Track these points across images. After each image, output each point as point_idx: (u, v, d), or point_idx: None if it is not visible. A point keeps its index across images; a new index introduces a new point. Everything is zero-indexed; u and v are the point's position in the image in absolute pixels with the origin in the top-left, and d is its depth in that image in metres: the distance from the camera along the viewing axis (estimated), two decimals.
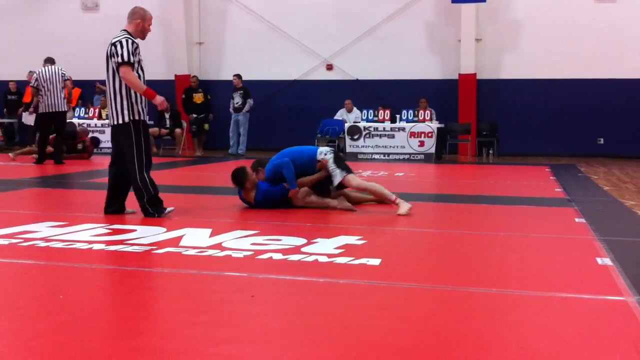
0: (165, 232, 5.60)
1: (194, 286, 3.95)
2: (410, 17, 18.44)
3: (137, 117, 6.42)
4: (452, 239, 5.76)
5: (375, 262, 4.53)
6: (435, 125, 16.09)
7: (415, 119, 16.21)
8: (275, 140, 17.76)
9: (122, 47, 6.29)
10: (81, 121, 16.74)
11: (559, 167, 13.78)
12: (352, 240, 5.32)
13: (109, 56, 6.37)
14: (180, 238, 5.30)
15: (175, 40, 19.71)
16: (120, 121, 6.40)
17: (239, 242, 5.21)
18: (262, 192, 7.05)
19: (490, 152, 17.00)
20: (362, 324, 3.20)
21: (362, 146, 16.30)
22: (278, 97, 19.25)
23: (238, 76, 17.44)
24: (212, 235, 5.44)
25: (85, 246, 4.99)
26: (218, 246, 5.00)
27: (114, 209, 6.54)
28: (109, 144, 15.19)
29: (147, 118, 6.61)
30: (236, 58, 19.39)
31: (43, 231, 5.54)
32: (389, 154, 16.15)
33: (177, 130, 17.02)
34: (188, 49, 19.72)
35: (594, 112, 17.53)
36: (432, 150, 15.88)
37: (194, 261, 4.55)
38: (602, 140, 17.65)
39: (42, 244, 5.05)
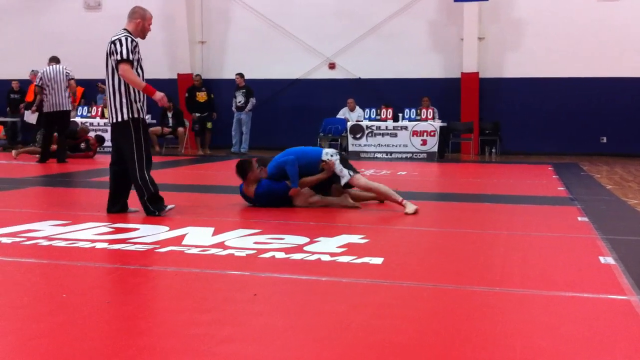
0: (167, 230, 5.60)
1: (197, 285, 3.95)
2: (413, 15, 18.43)
3: (136, 115, 6.43)
4: (454, 237, 5.75)
5: (378, 261, 4.53)
6: (437, 124, 16.09)
7: (418, 117, 16.21)
8: (277, 139, 17.78)
9: (121, 45, 6.30)
10: (84, 120, 16.77)
11: (561, 165, 13.76)
12: (355, 239, 5.32)
13: (109, 54, 6.39)
14: (182, 237, 5.31)
15: (177, 39, 19.71)
16: (120, 119, 6.41)
17: (242, 240, 5.21)
18: (263, 186, 7.05)
19: (493, 150, 16.99)
20: (364, 323, 3.20)
21: (365, 145, 16.30)
22: (280, 95, 19.25)
23: (241, 75, 17.44)
24: (214, 234, 5.45)
25: (88, 245, 5.00)
26: (220, 245, 5.00)
27: (116, 209, 6.55)
28: (107, 142, 15.30)
29: (146, 116, 6.62)
30: (239, 57, 19.39)
31: (46, 230, 5.55)
32: (391, 153, 16.15)
33: (180, 129, 17.03)
34: (191, 47, 19.72)
35: (597, 110, 17.51)
36: (435, 149, 15.88)
37: (196, 260, 4.56)
38: (605, 139, 17.63)
39: (45, 242, 5.06)
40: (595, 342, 2.99)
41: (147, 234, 5.46)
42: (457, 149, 17.64)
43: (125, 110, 6.39)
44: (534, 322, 3.24)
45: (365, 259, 4.55)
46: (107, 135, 15.74)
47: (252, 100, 17.38)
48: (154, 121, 17.23)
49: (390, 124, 16.25)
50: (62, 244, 5.02)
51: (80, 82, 15.03)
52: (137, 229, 5.70)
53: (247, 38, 19.48)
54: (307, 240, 5.19)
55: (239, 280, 4.08)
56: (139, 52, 6.44)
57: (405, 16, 18.51)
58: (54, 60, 13.30)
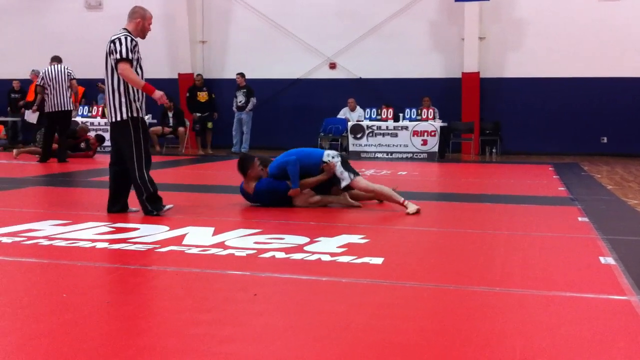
0: (168, 230, 5.60)
1: (197, 285, 3.95)
2: (414, 15, 18.44)
3: (135, 115, 6.43)
4: (455, 237, 5.75)
5: (378, 261, 4.53)
6: (438, 124, 16.09)
7: (419, 117, 16.21)
8: (278, 139, 17.80)
9: (121, 44, 6.31)
10: (85, 120, 16.78)
11: (562, 165, 13.76)
12: (355, 239, 5.32)
13: (108, 54, 6.39)
14: (183, 237, 5.31)
15: (178, 39, 19.73)
16: (119, 118, 6.42)
17: (242, 240, 5.21)
18: (263, 184, 7.06)
19: (494, 150, 16.99)
20: (364, 323, 3.20)
21: (365, 145, 16.31)
22: (281, 95, 19.26)
23: (241, 75, 17.45)
24: (215, 233, 5.45)
25: (88, 244, 5.00)
26: (221, 245, 5.00)
27: (116, 209, 6.55)
28: (106, 142, 15.28)
29: (145, 116, 6.62)
30: (239, 57, 19.40)
31: (46, 229, 5.55)
32: (392, 153, 16.16)
33: (180, 128, 17.03)
34: (191, 47, 19.74)
35: (598, 110, 17.52)
36: (435, 149, 15.89)
37: (196, 260, 4.56)
38: (605, 139, 17.63)
39: (46, 242, 5.06)
40: (595, 342, 2.99)
41: (147, 233, 5.46)
42: (458, 149, 17.65)
43: (124, 109, 6.40)
44: (534, 322, 3.24)
45: (366, 259, 4.56)
46: (108, 135, 15.76)
47: (253, 100, 17.39)
48: (155, 121, 17.24)
49: (390, 124, 16.26)
50: (63, 243, 5.02)
51: (80, 82, 15.02)
52: (138, 228, 5.70)
53: (248, 38, 19.49)
54: (307, 240, 5.20)
55: (239, 280, 4.08)
56: (138, 52, 6.44)
57: (406, 16, 18.52)
58: (56, 60, 13.31)
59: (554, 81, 17.75)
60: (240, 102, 17.43)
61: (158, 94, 6.47)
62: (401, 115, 16.38)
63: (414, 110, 16.35)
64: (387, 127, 16.25)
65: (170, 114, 17.06)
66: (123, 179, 6.54)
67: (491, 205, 7.78)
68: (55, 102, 12.93)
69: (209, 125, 17.46)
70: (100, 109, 17.29)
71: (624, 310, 3.48)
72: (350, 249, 4.91)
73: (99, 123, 16.90)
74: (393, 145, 16.18)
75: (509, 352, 2.83)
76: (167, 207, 6.51)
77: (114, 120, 6.46)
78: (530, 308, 3.51)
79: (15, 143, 18.30)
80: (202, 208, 7.18)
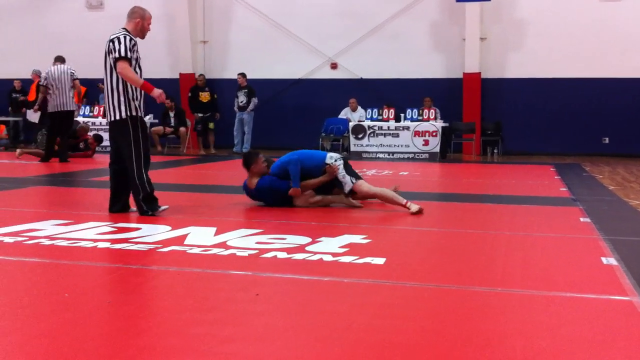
0: (170, 230, 5.60)
1: (199, 285, 3.95)
2: (415, 16, 18.44)
3: (134, 113, 6.44)
4: (456, 238, 5.75)
5: (380, 261, 4.53)
6: (439, 124, 16.09)
7: (420, 118, 16.21)
8: (279, 139, 17.80)
9: (120, 43, 6.32)
10: (86, 119, 16.78)
11: (563, 166, 13.76)
12: (357, 239, 5.32)
13: (107, 53, 6.40)
14: (185, 237, 5.31)
15: (179, 39, 19.73)
16: (118, 117, 6.43)
17: (244, 240, 5.21)
18: (266, 181, 7.09)
19: (495, 151, 16.98)
20: (366, 323, 3.20)
21: (367, 145, 16.31)
22: (282, 95, 19.26)
23: (242, 75, 17.46)
24: (216, 233, 5.45)
25: (90, 244, 5.00)
26: (222, 245, 5.00)
27: (117, 208, 6.56)
28: (105, 142, 15.27)
29: (144, 114, 6.63)
30: (241, 57, 19.41)
31: (48, 229, 5.55)
32: (393, 153, 16.16)
33: (182, 128, 17.04)
34: (192, 47, 19.74)
35: (599, 111, 17.51)
36: (437, 149, 15.88)
37: (198, 260, 4.56)
38: (607, 140, 17.62)
39: (47, 242, 5.06)
40: (596, 343, 2.98)
41: (149, 233, 5.46)
42: (459, 149, 17.64)
43: (123, 108, 6.41)
44: (535, 322, 3.24)
45: (367, 259, 4.55)
46: (106, 135, 15.75)
47: (254, 100, 17.39)
48: (156, 121, 17.26)
49: (392, 124, 16.25)
50: (64, 243, 5.02)
51: (82, 82, 15.02)
52: (139, 228, 5.70)
53: (249, 38, 19.49)
54: (309, 240, 5.20)
55: (240, 280, 4.08)
56: (137, 51, 6.46)
57: (407, 16, 18.52)
58: (59, 60, 13.32)
59: (555, 81, 17.74)
60: (241, 102, 17.43)
61: (157, 92, 6.47)
62: (402, 115, 16.37)
63: (415, 110, 16.35)
64: (388, 127, 16.24)
65: (171, 114, 17.08)
66: (123, 178, 6.54)
67: (492, 206, 7.78)
68: (58, 102, 12.95)
69: (211, 125, 17.46)
70: (102, 109, 17.30)
71: (625, 310, 3.48)
72: (352, 249, 4.91)
73: (100, 123, 16.90)
74: (394, 145, 16.18)
75: (510, 352, 2.83)
76: (163, 207, 6.50)
77: (112, 119, 6.47)
78: (531, 308, 3.51)
79: (17, 143, 18.31)
80: (203, 208, 7.18)
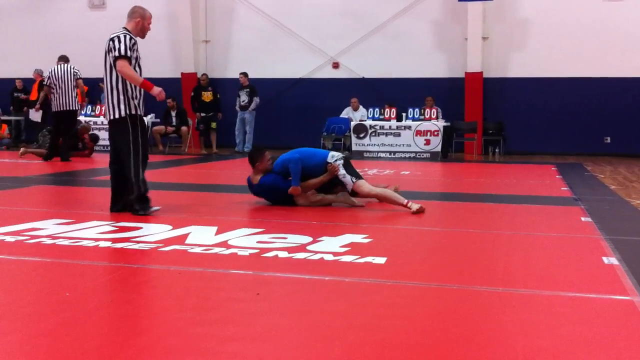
0: (171, 229, 5.60)
1: (200, 284, 3.95)
2: (417, 15, 18.43)
3: (133, 112, 6.45)
4: (457, 237, 5.75)
5: (381, 260, 4.53)
6: (441, 123, 16.08)
7: (422, 117, 16.20)
8: (281, 139, 17.80)
9: (119, 42, 6.33)
10: (87, 119, 16.78)
11: (565, 165, 13.75)
12: (358, 238, 5.32)
13: (107, 51, 6.41)
14: (186, 236, 5.31)
15: (181, 39, 19.74)
16: (117, 115, 6.43)
17: (245, 240, 5.21)
18: (269, 178, 7.10)
19: (497, 150, 16.96)
20: (367, 323, 3.20)
21: (368, 144, 16.31)
22: (284, 95, 19.26)
23: (244, 74, 17.46)
24: (217, 233, 5.45)
25: (91, 244, 5.00)
26: (224, 244, 5.00)
27: (118, 207, 6.56)
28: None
29: (143, 113, 6.64)
30: (243, 56, 19.41)
31: (49, 228, 5.56)
32: (394, 153, 16.16)
33: (183, 128, 17.05)
34: (194, 47, 19.75)
35: (601, 110, 17.49)
36: (438, 148, 15.88)
37: (199, 259, 4.56)
38: (608, 139, 17.61)
39: (49, 241, 5.06)
40: (597, 343, 2.98)
41: (150, 233, 5.46)
42: (461, 148, 17.63)
43: (122, 106, 6.41)
44: (536, 322, 3.24)
45: (368, 259, 4.55)
46: (102, 134, 15.72)
47: (256, 100, 17.40)
48: (158, 120, 17.27)
49: (393, 123, 16.25)
50: (66, 242, 5.02)
51: (84, 81, 15.02)
52: (141, 227, 5.70)
53: (251, 37, 19.50)
54: (310, 239, 5.19)
55: (242, 279, 4.08)
56: (137, 50, 6.47)
57: (409, 16, 18.51)
58: (63, 59, 13.34)
59: (557, 81, 17.73)
60: (243, 101, 17.44)
61: (157, 90, 6.48)
62: (404, 114, 16.37)
63: (416, 109, 16.34)
64: (390, 126, 16.24)
65: (173, 114, 17.09)
66: (123, 177, 6.54)
67: (494, 205, 7.77)
68: (61, 101, 12.96)
69: (213, 125, 17.45)
70: (103, 108, 17.28)
71: (626, 310, 3.48)
72: (353, 248, 4.90)
73: (102, 122, 16.91)
74: (396, 144, 16.18)
75: (511, 352, 2.83)
76: (154, 208, 6.48)
77: (112, 117, 6.48)
78: (532, 308, 3.50)
79: (19, 142, 18.32)
80: (205, 207, 7.18)
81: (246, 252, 4.73)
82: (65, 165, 12.49)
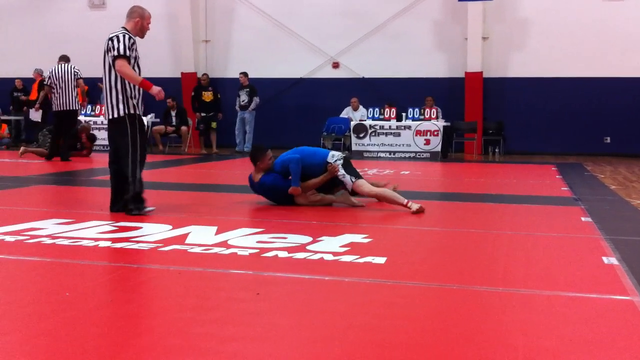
0: (171, 229, 5.60)
1: (199, 284, 3.95)
2: (417, 15, 18.43)
3: (132, 112, 6.45)
4: (457, 237, 5.75)
5: (381, 260, 4.53)
6: (441, 123, 16.08)
7: (421, 117, 16.20)
8: (281, 138, 17.79)
9: (118, 41, 6.34)
10: (87, 118, 16.78)
11: (565, 165, 13.75)
12: (358, 238, 5.31)
13: (106, 51, 6.42)
14: (185, 236, 5.31)
15: (181, 38, 19.74)
16: (116, 115, 6.44)
17: (245, 240, 5.21)
18: (270, 178, 7.11)
19: (497, 150, 16.97)
20: (367, 323, 3.20)
21: (368, 144, 16.31)
22: (284, 95, 19.26)
23: (244, 74, 17.46)
24: (217, 233, 5.45)
25: (91, 243, 5.00)
26: (224, 244, 5.00)
27: (118, 207, 6.55)
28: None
29: (142, 113, 6.65)
30: (243, 56, 19.41)
31: (49, 228, 5.55)
32: (394, 152, 16.15)
33: (183, 127, 17.05)
34: (194, 46, 19.75)
35: (601, 110, 17.49)
36: (438, 148, 15.88)
37: (199, 259, 4.56)
38: (608, 139, 17.61)
39: (49, 241, 5.06)
40: (598, 343, 2.98)
41: (150, 232, 5.46)
42: (461, 148, 17.63)
43: (121, 106, 6.42)
44: (536, 322, 3.24)
45: (368, 259, 4.55)
46: (102, 134, 15.71)
47: (256, 100, 17.40)
48: (158, 120, 17.26)
49: (393, 123, 16.25)
50: (66, 242, 5.02)
51: (84, 81, 15.05)
52: (141, 227, 5.70)
53: (251, 37, 19.50)
54: (310, 239, 5.19)
55: (241, 279, 4.08)
56: (136, 50, 6.47)
57: (409, 16, 18.51)
58: (64, 59, 13.35)
59: (557, 81, 17.73)
60: (243, 101, 17.43)
61: (156, 89, 6.48)
62: (404, 114, 16.37)
63: (416, 109, 16.34)
64: (389, 126, 16.24)
65: (173, 113, 17.09)
66: (123, 176, 6.54)
67: (494, 205, 7.77)
68: (62, 101, 12.97)
69: (213, 125, 17.43)
70: (104, 107, 17.27)
71: (626, 310, 3.48)
72: (353, 248, 4.90)
73: (102, 122, 16.91)
74: (396, 144, 16.18)
75: (511, 352, 2.83)
76: (149, 208, 6.47)
77: (111, 117, 6.49)
78: (532, 308, 3.50)
79: (19, 142, 18.32)
80: (204, 207, 7.18)
81: (246, 252, 4.73)
82: (65, 165, 12.49)
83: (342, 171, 7.13)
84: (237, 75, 17.71)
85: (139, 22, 6.58)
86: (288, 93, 19.28)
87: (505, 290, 3.86)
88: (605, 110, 17.46)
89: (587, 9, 17.44)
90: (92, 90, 18.49)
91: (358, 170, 7.38)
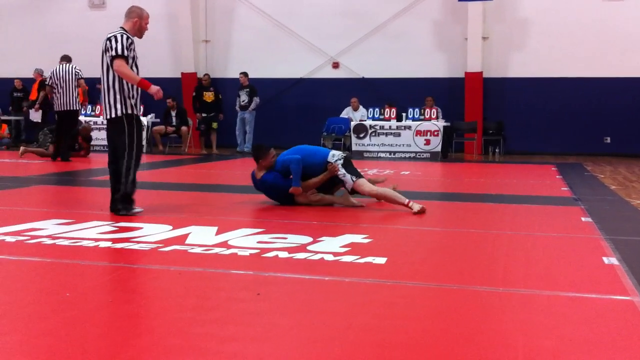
0: (171, 230, 5.60)
1: (200, 284, 3.95)
2: (417, 15, 18.43)
3: (130, 112, 6.46)
4: (458, 237, 5.75)
5: (381, 260, 4.53)
6: (441, 123, 16.08)
7: (422, 117, 16.20)
8: (281, 138, 17.77)
9: (116, 41, 6.35)
10: (87, 118, 16.78)
11: (565, 165, 13.75)
12: (358, 238, 5.32)
13: (104, 51, 6.43)
14: (186, 236, 5.31)
15: (181, 38, 19.74)
16: (114, 115, 6.45)
17: (245, 240, 5.21)
18: (271, 176, 7.13)
19: (497, 150, 16.96)
20: (367, 323, 3.20)
21: (368, 144, 16.31)
22: (284, 95, 19.26)
23: (245, 74, 17.45)
24: (218, 233, 5.45)
25: (91, 244, 5.00)
26: (224, 244, 5.00)
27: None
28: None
29: (140, 113, 6.65)
30: (243, 56, 19.41)
31: (50, 228, 5.56)
32: (394, 153, 16.15)
33: (184, 128, 17.04)
34: (195, 47, 19.74)
35: (601, 110, 17.49)
36: (438, 148, 15.88)
37: (199, 259, 4.56)
38: (608, 139, 17.61)
39: (49, 241, 5.06)
40: (598, 343, 2.98)
41: (150, 233, 5.46)
42: (461, 148, 17.63)
43: (119, 106, 6.43)
44: (536, 322, 3.24)
45: (369, 259, 4.55)
46: (102, 134, 15.70)
47: (256, 100, 17.39)
48: (158, 120, 17.26)
49: (393, 123, 16.25)
50: (66, 242, 5.02)
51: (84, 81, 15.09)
52: (141, 228, 5.70)
53: (251, 37, 19.49)
54: (310, 239, 5.20)
55: (242, 279, 4.08)
56: (134, 50, 6.48)
57: (409, 16, 18.51)
58: (65, 59, 13.36)
59: (557, 81, 17.73)
60: (243, 101, 17.43)
61: (154, 88, 6.48)
62: (404, 114, 16.36)
63: (417, 109, 16.34)
64: (390, 126, 16.24)
65: (173, 113, 17.08)
66: None
67: (494, 205, 7.77)
68: (63, 101, 12.99)
69: (214, 125, 17.40)
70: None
71: (626, 310, 3.48)
72: (353, 248, 4.90)
73: (102, 122, 16.90)
74: (396, 144, 16.18)
75: (511, 352, 2.83)
76: (137, 209, 6.45)
77: (109, 117, 6.50)
78: (532, 308, 3.51)
79: (19, 142, 18.32)
80: (205, 207, 7.19)
81: (246, 252, 4.73)
82: (65, 165, 12.49)
83: (342, 170, 7.13)
84: (237, 76, 17.71)
85: (137, 22, 6.59)
86: (288, 93, 19.28)
87: (505, 290, 3.86)
88: (605, 110, 17.46)
89: (587, 9, 17.44)
90: (91, 91, 18.47)
91: (359, 170, 7.38)
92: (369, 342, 2.93)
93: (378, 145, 16.26)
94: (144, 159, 14.12)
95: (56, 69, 13.06)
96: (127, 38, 6.42)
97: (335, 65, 19.09)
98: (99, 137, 15.58)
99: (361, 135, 16.34)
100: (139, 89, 6.50)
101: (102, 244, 5.01)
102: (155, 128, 16.87)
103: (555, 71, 17.64)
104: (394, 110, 16.41)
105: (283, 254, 4.67)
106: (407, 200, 6.89)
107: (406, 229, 6.09)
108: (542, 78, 17.79)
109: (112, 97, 6.44)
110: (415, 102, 16.69)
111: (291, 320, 3.26)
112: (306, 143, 7.92)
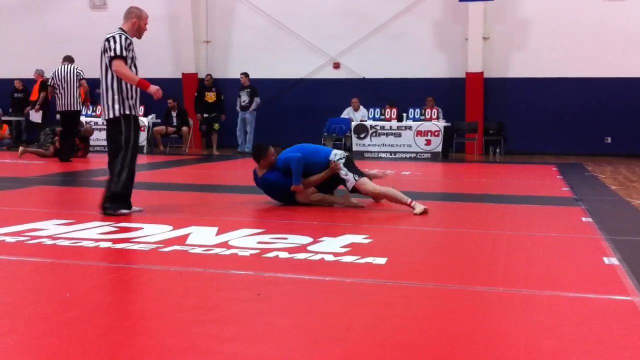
0: (171, 230, 5.60)
1: (200, 284, 3.95)
2: (418, 15, 18.43)
3: (128, 112, 6.46)
4: (458, 237, 5.75)
5: (381, 261, 4.53)
6: (442, 123, 16.08)
7: (422, 117, 16.20)
8: (282, 139, 17.76)
9: (115, 42, 6.36)
10: (88, 119, 16.77)
11: (566, 166, 13.75)
12: (358, 239, 5.32)
13: (103, 52, 6.44)
14: (186, 236, 5.31)
15: (182, 39, 19.74)
16: (112, 115, 6.46)
17: (245, 240, 5.21)
18: (273, 175, 7.14)
19: (497, 150, 16.97)
20: (367, 323, 3.20)
21: (369, 145, 16.31)
22: (285, 95, 19.26)
23: (245, 74, 17.45)
24: (218, 233, 5.45)
25: (92, 244, 5.01)
26: (224, 244, 5.00)
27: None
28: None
29: (138, 114, 6.65)
30: (243, 56, 19.41)
31: (50, 229, 5.56)
32: (395, 153, 16.15)
33: (184, 128, 17.05)
34: (195, 47, 19.74)
35: (602, 110, 17.49)
36: (439, 149, 15.88)
37: (200, 259, 4.56)
38: (609, 139, 17.61)
39: (49, 241, 5.06)
40: (598, 343, 2.98)
41: (151, 233, 5.46)
42: (461, 148, 17.63)
43: (117, 106, 6.43)
44: (537, 322, 3.24)
45: (369, 259, 4.55)
46: (102, 134, 15.69)
47: (257, 100, 17.39)
48: (159, 120, 17.26)
49: (394, 123, 16.25)
50: (66, 243, 5.03)
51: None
52: (141, 228, 5.71)
53: (252, 38, 19.50)
54: (310, 240, 5.20)
55: (242, 279, 4.08)
56: (133, 50, 6.49)
57: (410, 16, 18.51)
58: (67, 59, 13.38)
59: (558, 81, 17.73)
60: (243, 101, 17.43)
61: (153, 88, 6.49)
62: (405, 115, 16.36)
63: (417, 110, 16.34)
64: (390, 127, 16.24)
65: (174, 114, 17.09)
66: None
67: (495, 205, 7.77)
68: (65, 102, 13.01)
69: (216, 126, 17.37)
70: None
71: (627, 310, 3.48)
72: (354, 248, 4.91)
73: (103, 122, 16.89)
74: (396, 145, 16.18)
75: (512, 352, 2.83)
76: (124, 211, 6.43)
77: (107, 117, 6.51)
78: (533, 308, 3.50)
79: (20, 142, 18.32)
80: (205, 208, 7.19)
81: (247, 253, 4.73)
82: (65, 166, 12.50)
83: (344, 170, 7.13)
84: (237, 76, 17.71)
85: (136, 23, 6.59)
86: (289, 93, 19.28)
87: (505, 290, 3.86)
88: (606, 111, 17.46)
89: (588, 9, 17.43)
90: (92, 91, 18.46)
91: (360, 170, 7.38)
92: (369, 343, 2.93)
93: (379, 145, 16.26)
94: (145, 159, 14.18)
95: (58, 70, 13.08)
96: (126, 38, 6.43)
97: (336, 66, 19.09)
98: (99, 137, 15.57)
99: (362, 136, 16.34)
100: (138, 89, 6.50)
101: (103, 245, 5.01)
102: (156, 128, 16.87)
103: (556, 71, 17.64)
104: (394, 110, 16.41)
105: (283, 254, 4.67)
106: (409, 200, 6.89)
107: (406, 229, 6.09)
108: (543, 78, 17.79)
109: (111, 97, 6.44)
110: (415, 103, 16.69)
111: (291, 320, 3.26)
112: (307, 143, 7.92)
